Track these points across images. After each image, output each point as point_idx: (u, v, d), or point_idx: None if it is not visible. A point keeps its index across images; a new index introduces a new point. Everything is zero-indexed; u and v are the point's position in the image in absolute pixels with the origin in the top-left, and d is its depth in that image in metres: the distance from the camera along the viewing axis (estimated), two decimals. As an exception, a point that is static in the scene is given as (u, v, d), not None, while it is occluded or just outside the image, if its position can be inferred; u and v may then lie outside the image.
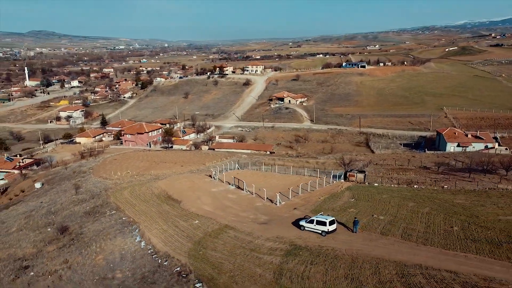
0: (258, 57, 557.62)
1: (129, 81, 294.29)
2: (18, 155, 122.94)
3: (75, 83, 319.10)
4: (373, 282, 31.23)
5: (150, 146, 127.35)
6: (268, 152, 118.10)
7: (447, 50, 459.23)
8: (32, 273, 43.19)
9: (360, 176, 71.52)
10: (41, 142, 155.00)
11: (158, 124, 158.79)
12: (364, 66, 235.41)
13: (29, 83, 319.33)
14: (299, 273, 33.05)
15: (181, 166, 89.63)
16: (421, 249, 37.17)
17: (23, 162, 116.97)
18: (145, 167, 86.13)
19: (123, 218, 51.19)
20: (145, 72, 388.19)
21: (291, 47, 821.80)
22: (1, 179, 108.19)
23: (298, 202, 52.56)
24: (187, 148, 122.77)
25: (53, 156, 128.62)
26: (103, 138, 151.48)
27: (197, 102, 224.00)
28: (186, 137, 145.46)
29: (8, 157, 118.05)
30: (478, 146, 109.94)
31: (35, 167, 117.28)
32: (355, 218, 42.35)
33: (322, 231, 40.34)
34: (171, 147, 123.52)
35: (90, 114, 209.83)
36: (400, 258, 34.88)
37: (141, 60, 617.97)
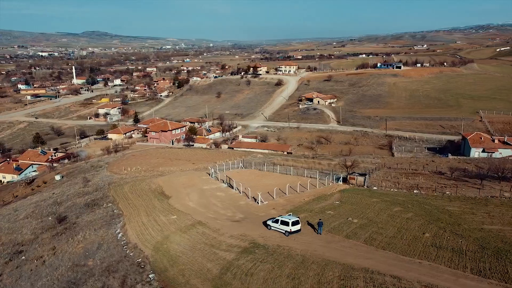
0: (299, 57, 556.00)
1: (167, 80, 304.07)
2: (51, 149, 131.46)
3: (117, 81, 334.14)
4: (311, 282, 31.77)
5: (173, 144, 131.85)
6: (286, 153, 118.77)
7: (498, 50, 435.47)
8: (23, 258, 47.16)
9: (360, 179, 70.92)
10: (77, 137, 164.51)
11: (187, 123, 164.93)
12: (399, 67, 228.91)
13: (76, 81, 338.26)
14: (245, 270, 34.16)
15: (193, 164, 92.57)
16: (378, 253, 36.99)
17: (55, 156, 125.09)
18: (157, 163, 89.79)
19: (114, 211, 54.33)
20: (185, 71, 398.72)
21: (334, 47, 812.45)
22: (33, 171, 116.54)
23: (281, 202, 53.32)
24: (207, 147, 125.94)
25: (84, 151, 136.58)
26: (133, 135, 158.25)
27: (229, 101, 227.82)
28: (211, 136, 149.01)
29: (42, 150, 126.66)
30: (505, 152, 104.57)
31: (66, 160, 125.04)
32: (319, 219, 42.64)
33: (286, 231, 41.07)
34: (192, 145, 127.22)
35: (127, 112, 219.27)
36: (351, 261, 35.01)
37: (185, 60, 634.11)
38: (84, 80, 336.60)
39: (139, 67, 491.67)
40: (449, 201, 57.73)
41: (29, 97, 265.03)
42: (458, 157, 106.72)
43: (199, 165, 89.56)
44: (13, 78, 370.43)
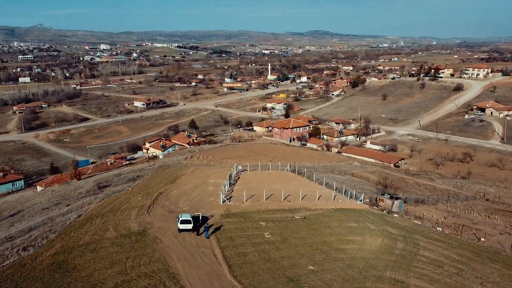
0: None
1: (345, 80, 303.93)
2: (195, 133, 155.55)
3: (304, 79, 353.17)
4: (117, 270, 34.82)
5: (290, 141, 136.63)
6: (392, 165, 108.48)
7: None
8: (54, 207, 63.51)
9: (389, 202, 62.34)
10: (231, 126, 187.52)
11: (333, 123, 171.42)
12: None
13: (269, 77, 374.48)
14: (99, 247, 39.50)
15: (269, 161, 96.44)
16: (210, 268, 36.45)
17: (196, 140, 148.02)
18: (236, 156, 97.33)
19: (130, 187, 65.49)
20: (377, 71, 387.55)
21: None
22: (174, 150, 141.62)
23: (242, 206, 53.60)
24: (318, 148, 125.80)
25: (227, 138, 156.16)
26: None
27: (392, 105, 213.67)
28: (342, 138, 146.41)
29: (188, 134, 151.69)
30: None
31: (207, 145, 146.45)
32: (206, 224, 42.92)
33: (178, 228, 43.43)
34: (305, 144, 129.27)
35: (291, 108, 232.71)
36: (171, 266, 35.90)
37: (392, 59, 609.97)
38: (276, 77, 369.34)
39: (339, 66, 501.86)
40: (449, 247, 46.75)
41: (225, 89, 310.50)
42: None
43: (273, 162, 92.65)
44: (226, 72, 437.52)
